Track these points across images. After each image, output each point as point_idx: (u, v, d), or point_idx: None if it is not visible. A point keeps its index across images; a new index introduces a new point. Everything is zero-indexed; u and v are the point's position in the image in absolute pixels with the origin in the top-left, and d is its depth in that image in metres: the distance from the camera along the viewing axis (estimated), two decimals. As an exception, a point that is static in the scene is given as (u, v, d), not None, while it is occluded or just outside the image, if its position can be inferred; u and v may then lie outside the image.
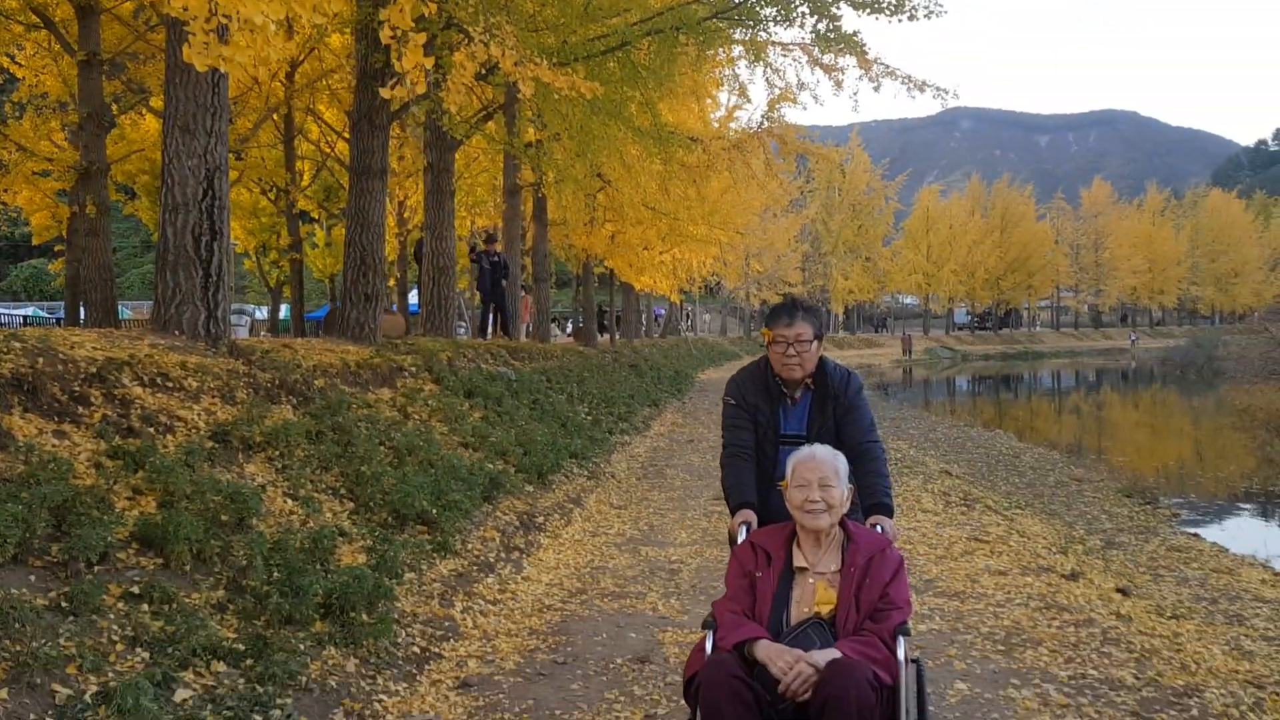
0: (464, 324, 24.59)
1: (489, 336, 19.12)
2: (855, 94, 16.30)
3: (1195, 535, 11.70)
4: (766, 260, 53.82)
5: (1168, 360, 56.18)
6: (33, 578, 4.20)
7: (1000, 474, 15.76)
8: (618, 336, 34.53)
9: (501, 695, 4.93)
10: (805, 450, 3.61)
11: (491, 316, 19.70)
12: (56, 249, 21.69)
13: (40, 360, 5.79)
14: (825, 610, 3.38)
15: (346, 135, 19.41)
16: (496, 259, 19.52)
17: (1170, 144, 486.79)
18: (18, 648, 3.70)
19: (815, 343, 3.98)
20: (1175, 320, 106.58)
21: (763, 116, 21.70)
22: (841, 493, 3.50)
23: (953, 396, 41.88)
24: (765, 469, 4.03)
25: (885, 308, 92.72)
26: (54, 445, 5.20)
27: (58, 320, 35.07)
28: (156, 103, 17.49)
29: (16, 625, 3.80)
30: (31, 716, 3.47)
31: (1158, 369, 54.85)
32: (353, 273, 11.77)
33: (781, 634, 3.34)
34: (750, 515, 3.86)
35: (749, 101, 75.36)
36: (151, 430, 5.97)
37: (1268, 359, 33.19)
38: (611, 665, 5.41)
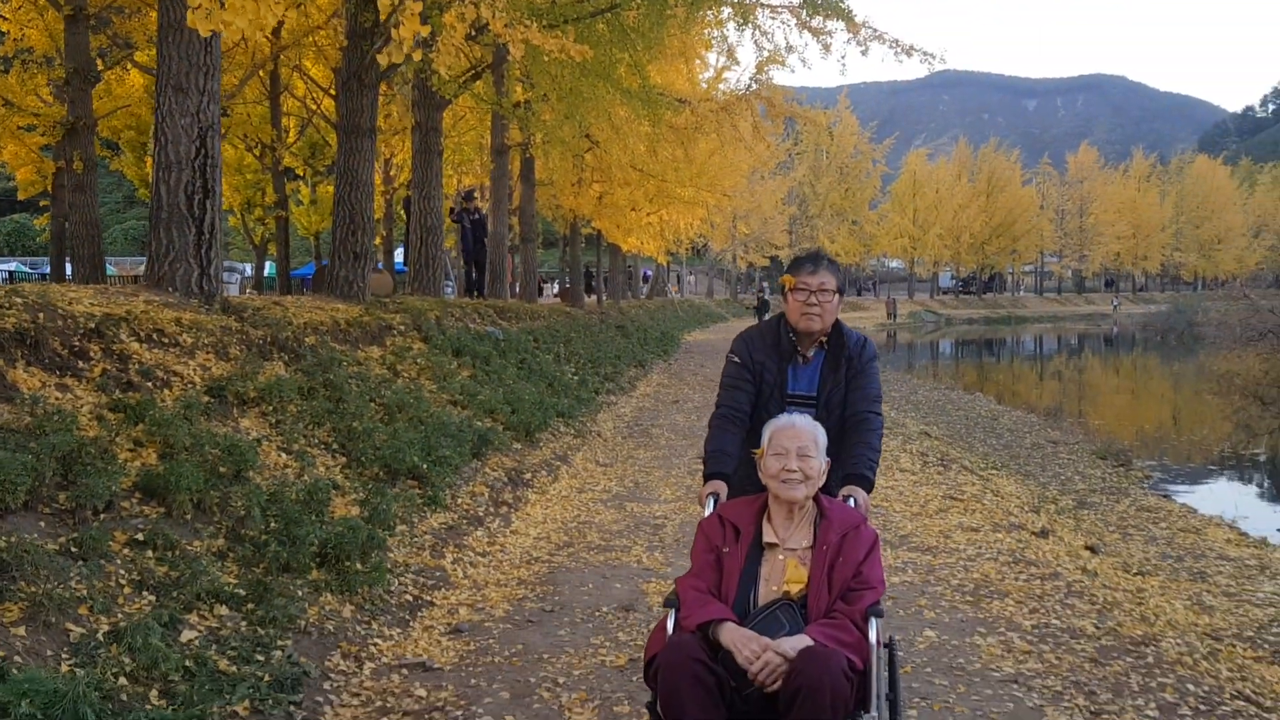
0: (451, 283, 24.66)
1: (474, 296, 19.24)
2: (843, 57, 16.66)
3: (1165, 496, 12.02)
4: (753, 222, 53.90)
5: (1149, 326, 56.71)
6: (43, 524, 4.38)
7: (978, 436, 16.06)
8: (604, 297, 34.65)
9: (491, 640, 5.15)
10: (784, 418, 3.43)
11: (474, 275, 19.81)
12: (41, 204, 21.62)
13: (41, 315, 5.93)
14: (795, 590, 3.19)
15: (333, 92, 19.36)
16: (477, 217, 19.58)
17: (1158, 109, 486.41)
18: (33, 589, 3.88)
19: (837, 296, 3.77)
20: (1158, 286, 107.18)
21: (751, 79, 21.73)
22: (819, 464, 3.32)
23: (936, 360, 42.24)
24: None
25: (871, 271, 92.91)
26: (57, 398, 5.36)
27: (41, 275, 34.95)
28: (142, 57, 17.43)
29: (30, 568, 3.98)
30: (48, 652, 3.66)
31: (1139, 334, 55.35)
32: (342, 231, 11.87)
33: (749, 615, 3.15)
34: (720, 487, 3.63)
35: (737, 64, 74.76)
36: (150, 385, 6.13)
37: (1246, 325, 33.51)
38: (597, 613, 5.64)
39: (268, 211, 24.58)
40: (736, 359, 3.85)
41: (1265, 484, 14.52)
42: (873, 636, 3.07)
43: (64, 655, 3.69)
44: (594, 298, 33.76)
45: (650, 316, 34.61)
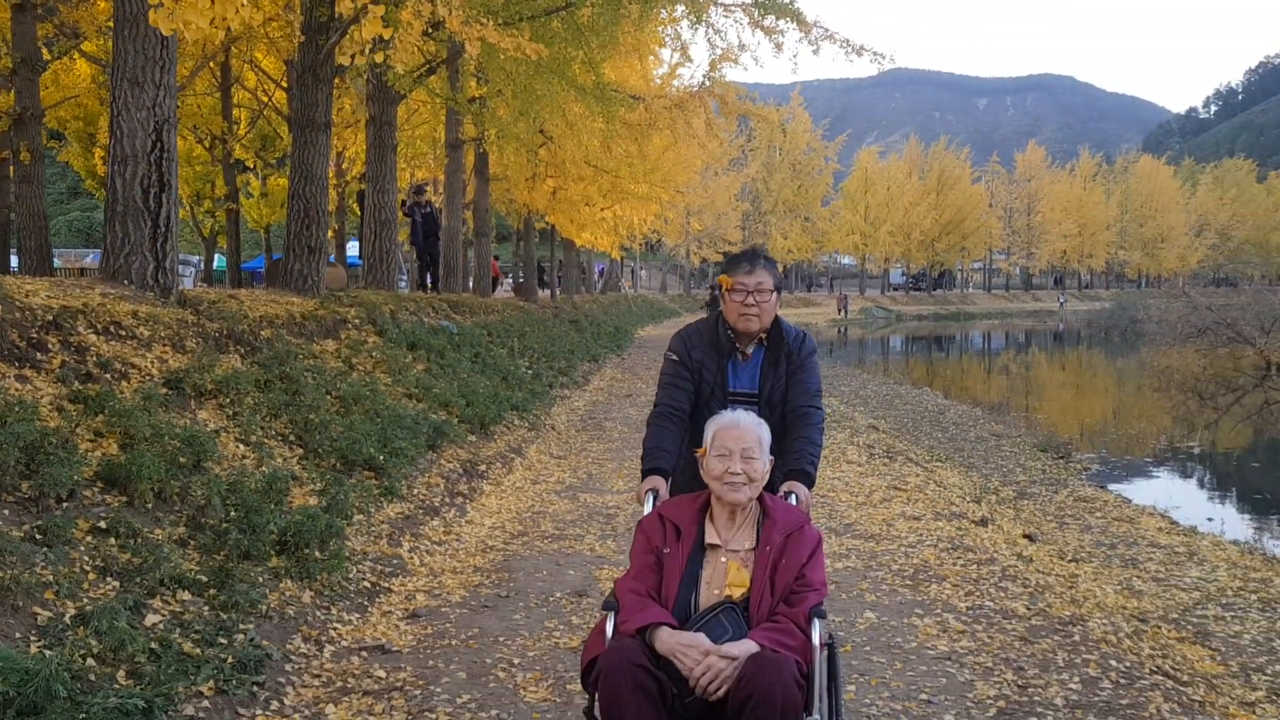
0: (404, 277, 24.63)
1: (426, 290, 19.27)
2: (795, 56, 17.17)
3: (1102, 487, 12.43)
4: (707, 218, 54.20)
5: (1093, 323, 57.82)
6: (6, 511, 4.46)
7: (925, 429, 16.43)
8: (558, 292, 34.75)
9: (448, 624, 5.31)
10: (728, 416, 3.32)
11: (426, 269, 19.86)
12: (-14, 195, 21.26)
13: (-1, 307, 5.97)
14: (737, 593, 3.09)
15: (284, 84, 19.33)
16: (428, 210, 19.64)
17: (1105, 109, 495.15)
18: (0, 574, 3.97)
19: (775, 295, 3.71)
20: (1103, 284, 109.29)
21: (704, 76, 21.95)
22: (764, 465, 3.23)
23: (886, 355, 42.86)
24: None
25: (823, 267, 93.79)
26: (17, 389, 5.42)
27: (-16, 267, 34.26)
28: (90, 47, 17.26)
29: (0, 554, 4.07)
30: (17, 635, 3.76)
31: (1084, 331, 56.48)
32: (296, 225, 11.90)
33: (690, 618, 3.06)
34: (659, 483, 3.55)
35: (690, 61, 75.11)
36: (108, 376, 6.19)
37: (1185, 322, 34.41)
38: (551, 599, 5.81)
39: (218, 204, 24.40)
40: (675, 357, 3.80)
41: (1199, 475, 15.04)
42: (815, 639, 2.98)
43: (33, 637, 3.79)
44: (548, 292, 33.84)
45: (604, 311, 34.78)
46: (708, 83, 21.75)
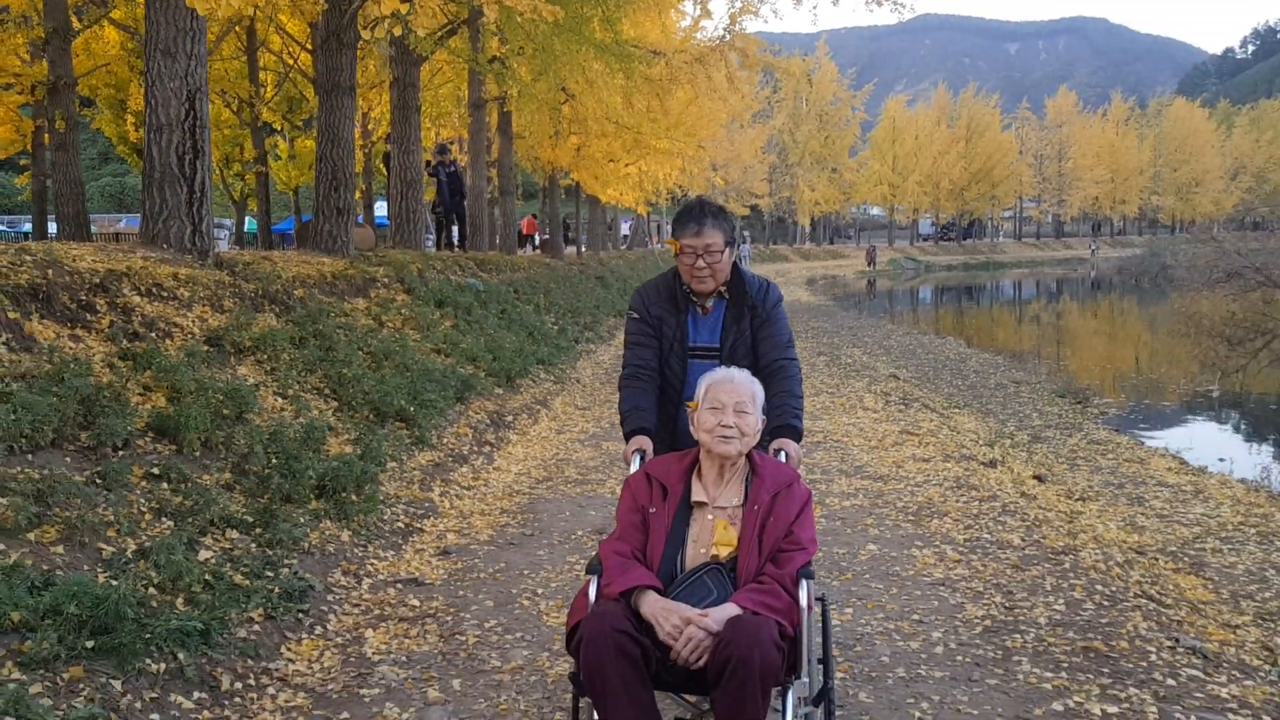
0: (430, 236, 25.00)
1: (455, 249, 19.62)
2: (815, 7, 16.79)
3: (1117, 431, 12.64)
4: (733, 172, 54.10)
5: (1124, 269, 57.35)
6: (68, 459, 4.87)
7: (945, 377, 16.65)
8: (584, 249, 35.01)
9: (477, 560, 5.70)
10: (722, 371, 3.27)
11: (451, 228, 20.19)
12: (21, 163, 21.75)
13: (50, 271, 6.37)
14: (724, 552, 3.04)
15: (309, 47, 19.60)
16: (452, 169, 19.93)
17: (1139, 52, 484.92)
18: (67, 514, 4.38)
19: (727, 250, 3.60)
20: (1136, 230, 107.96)
21: (724, 30, 21.99)
22: (756, 421, 3.18)
23: (915, 306, 42.87)
24: (671, 385, 3.71)
25: (851, 219, 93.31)
26: (71, 347, 5.81)
27: (22, 234, 34.99)
28: (119, 14, 17.59)
29: (63, 496, 4.47)
30: (85, 567, 4.16)
31: (1114, 278, 56.07)
32: (325, 187, 12.25)
33: (675, 579, 3.02)
34: (645, 443, 3.52)
35: (710, 15, 74.40)
36: (153, 335, 6.59)
37: (1213, 267, 34.15)
38: (573, 536, 6.19)
39: (247, 167, 24.76)
40: (635, 315, 3.75)
41: (1215, 418, 15.19)
42: (803, 600, 2.93)
43: (99, 569, 4.19)
44: (573, 249, 34.11)
45: (630, 267, 35.01)
46: (728, 36, 21.79)
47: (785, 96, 68.02)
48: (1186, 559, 6.83)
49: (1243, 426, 14.60)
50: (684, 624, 2.82)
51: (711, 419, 3.13)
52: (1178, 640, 4.54)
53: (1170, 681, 4.06)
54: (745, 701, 2.70)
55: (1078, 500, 8.66)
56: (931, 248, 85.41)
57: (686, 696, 3.09)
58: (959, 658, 4.31)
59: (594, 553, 5.84)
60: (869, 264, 66.47)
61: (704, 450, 3.18)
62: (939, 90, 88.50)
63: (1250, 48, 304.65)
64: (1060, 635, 4.53)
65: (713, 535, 3.07)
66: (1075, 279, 60.18)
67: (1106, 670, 4.17)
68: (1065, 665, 4.21)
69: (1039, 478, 9.19)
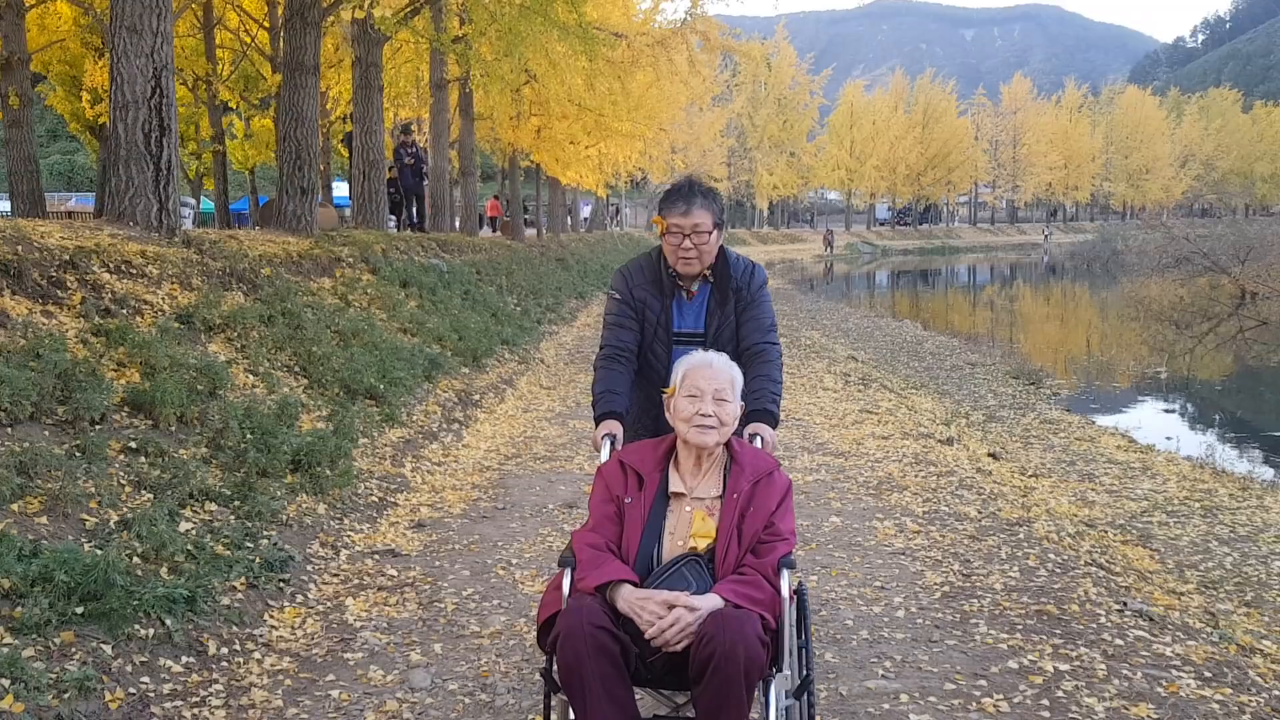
0: (393, 217, 24.92)
1: (417, 229, 19.61)
2: None
3: (1068, 410, 12.99)
4: (692, 155, 54.17)
5: (1076, 255, 58.34)
6: (47, 433, 4.92)
7: (902, 359, 16.96)
8: (545, 231, 35.00)
9: (451, 532, 5.83)
10: (700, 356, 3.10)
11: (411, 210, 20.20)
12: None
13: (19, 247, 6.36)
14: (702, 544, 2.91)
15: (267, 25, 19.44)
16: (414, 149, 19.91)
17: (1093, 40, 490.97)
18: (49, 485, 4.44)
19: (715, 232, 3.46)
20: (1088, 216, 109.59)
21: (685, 13, 22.10)
22: (735, 409, 3.04)
23: (871, 290, 43.36)
24: (656, 371, 3.56)
25: (809, 203, 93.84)
26: (44, 323, 5.84)
27: (-29, 212, 34.26)
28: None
29: (45, 468, 4.53)
30: (69, 537, 4.23)
31: (1067, 263, 57.00)
32: (288, 167, 12.21)
33: (652, 572, 2.89)
34: (615, 427, 3.38)
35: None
36: (125, 312, 6.61)
37: (1163, 253, 34.92)
38: (544, 510, 6.33)
39: (203, 146, 24.48)
40: (617, 295, 3.59)
41: (1163, 398, 15.62)
42: (785, 591, 2.83)
43: (83, 540, 4.26)
44: (534, 231, 34.10)
45: (590, 249, 35.07)
46: (689, 19, 21.91)
47: (744, 80, 68.16)
48: (1134, 531, 7.12)
49: (1189, 407, 15.04)
50: (664, 608, 2.71)
51: (689, 407, 2.98)
52: (1125, 604, 4.78)
53: (1118, 641, 4.28)
54: (729, 698, 2.60)
55: (1031, 476, 8.93)
56: (888, 232, 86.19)
57: (666, 693, 2.98)
58: (919, 621, 4.51)
59: (566, 528, 6.03)
60: (826, 248, 66.95)
61: (681, 439, 3.03)
62: (896, 76, 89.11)
63: (1200, 37, 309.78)
64: (1015, 600, 4.75)
65: (691, 526, 2.94)
66: (1029, 264, 61.10)
67: (1059, 631, 4.38)
68: (1020, 627, 4.43)
69: (994, 455, 9.45)
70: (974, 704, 3.69)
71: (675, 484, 3.01)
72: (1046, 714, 3.61)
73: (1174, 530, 7.20)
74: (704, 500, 2.99)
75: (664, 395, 3.13)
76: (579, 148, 27.53)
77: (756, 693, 2.69)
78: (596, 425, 3.43)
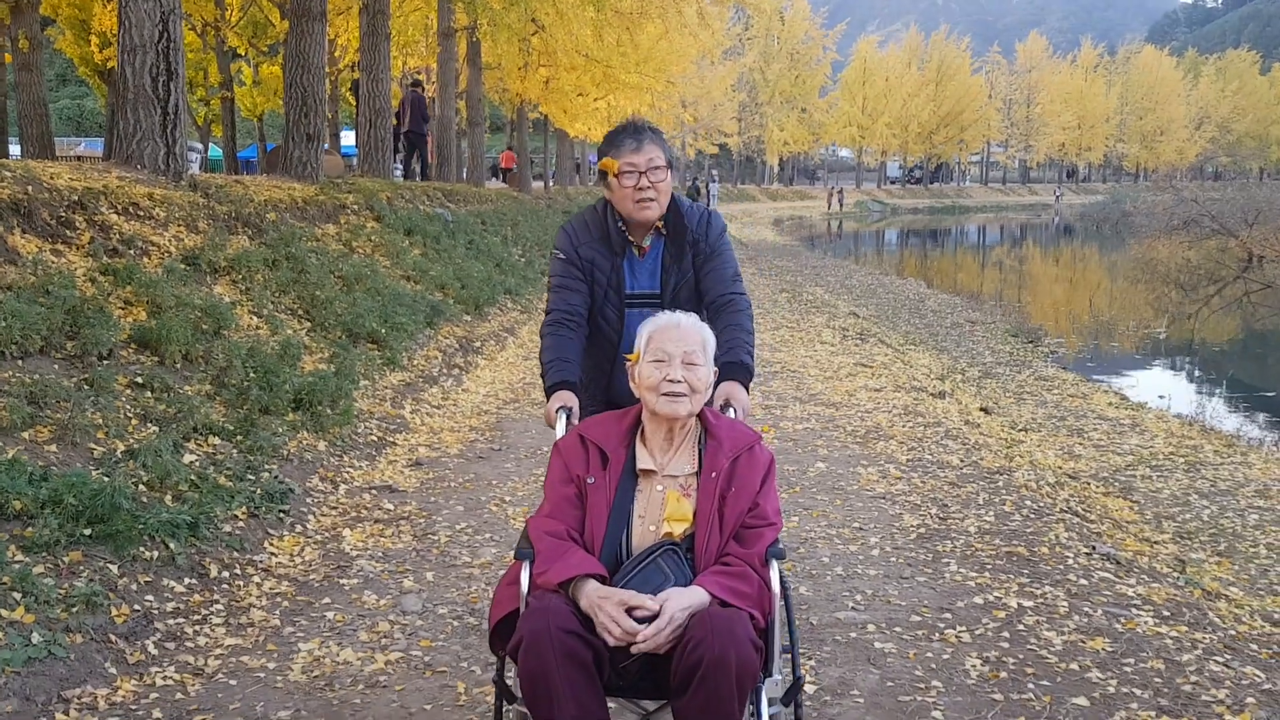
0: (399, 166, 24.97)
1: (422, 179, 19.69)
2: None
3: (1064, 368, 13.12)
4: (702, 109, 53.87)
5: (1086, 216, 58.11)
6: (57, 366, 5.09)
7: (903, 316, 17.07)
8: (552, 183, 34.99)
9: (447, 471, 6.01)
10: (666, 317, 2.75)
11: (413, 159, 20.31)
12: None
13: (30, 188, 6.50)
14: (679, 529, 2.57)
15: (277, -30, 19.36)
16: (420, 99, 20.01)
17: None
18: (59, 415, 4.62)
19: (670, 172, 3.16)
20: (1101, 177, 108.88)
21: (696, -37, 21.94)
22: (708, 373, 2.70)
23: (879, 248, 43.29)
24: (608, 338, 3.23)
25: (820, 160, 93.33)
26: (54, 261, 5.99)
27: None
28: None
29: (54, 399, 4.71)
30: (78, 464, 4.41)
31: (1078, 224, 56.80)
32: (295, 114, 12.28)
33: (621, 564, 2.55)
34: (570, 399, 3.02)
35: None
36: (132, 252, 6.76)
37: (1171, 215, 34.82)
38: (539, 451, 6.51)
39: (211, 93, 24.49)
40: (562, 255, 3.24)
41: (1161, 358, 15.74)
42: (775, 584, 2.52)
43: (90, 468, 4.45)
44: (541, 183, 34.09)
45: (596, 201, 35.07)
46: (699, -30, 21.77)
47: (756, 34, 67.53)
48: (1117, 484, 7.28)
49: (1186, 368, 15.15)
50: (621, 610, 2.35)
51: (656, 374, 2.63)
52: (1094, 548, 4.95)
53: (1083, 581, 4.46)
54: (718, 711, 2.29)
55: (1021, 431, 9.10)
56: (898, 191, 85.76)
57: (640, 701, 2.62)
58: (893, 559, 4.69)
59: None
60: (831, 205, 66.66)
61: (648, 411, 2.68)
62: (910, 32, 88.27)
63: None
64: (987, 542, 4.92)
65: (664, 508, 2.60)
66: (1039, 224, 60.87)
67: (1026, 572, 4.56)
68: (989, 567, 4.60)
69: (985, 409, 9.60)
70: (937, 634, 3.87)
71: (644, 460, 2.66)
72: (1006, 644, 3.79)
73: (1156, 484, 7.37)
74: (677, 478, 2.64)
75: (627, 362, 2.78)
76: (587, 100, 27.46)
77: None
78: (548, 397, 3.07)
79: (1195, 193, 37.42)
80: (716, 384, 2.88)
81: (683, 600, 2.38)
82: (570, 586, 2.44)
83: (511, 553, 4.68)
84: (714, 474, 2.61)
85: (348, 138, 30.26)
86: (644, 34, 23.67)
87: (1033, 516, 5.36)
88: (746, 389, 3.06)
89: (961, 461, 6.40)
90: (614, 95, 27.72)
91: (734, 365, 3.06)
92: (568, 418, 2.96)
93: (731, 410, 2.95)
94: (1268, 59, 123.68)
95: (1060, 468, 7.41)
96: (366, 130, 16.21)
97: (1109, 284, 27.66)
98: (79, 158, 29.32)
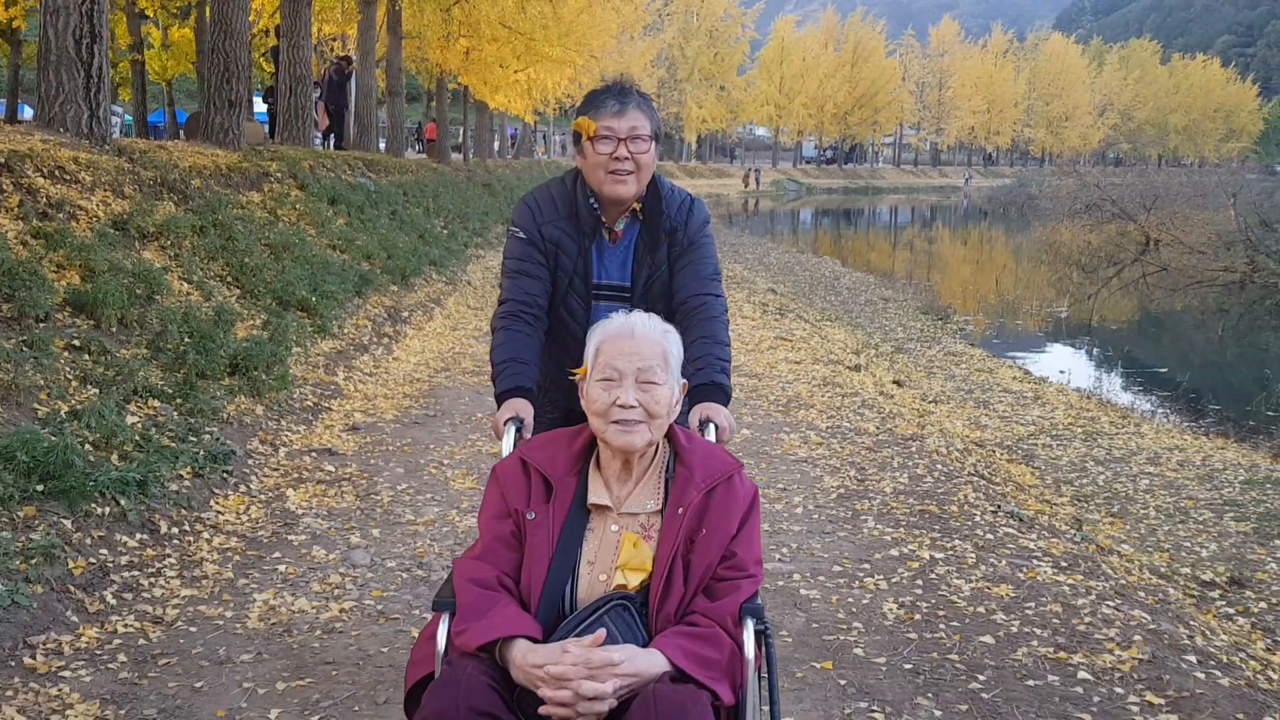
0: (318, 135, 24.61)
1: (337, 148, 19.56)
2: None
3: (971, 344, 13.69)
4: (621, 84, 53.75)
5: (994, 199, 59.72)
6: (-7, 329, 5.10)
7: (819, 293, 17.54)
8: (471, 155, 34.77)
9: (384, 435, 6.15)
10: (617, 323, 2.24)
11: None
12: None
13: (-46, 149, 6.42)
14: (635, 580, 2.11)
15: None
16: (345, 69, 19.89)
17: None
18: (2, 376, 4.65)
19: (653, 145, 2.70)
20: (1008, 161, 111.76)
21: (619, -61, 22.01)
22: (671, 392, 2.19)
23: (794, 227, 44.01)
24: (572, 334, 2.78)
25: (737, 138, 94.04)
26: (-17, 224, 5.95)
27: None
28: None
29: (-5, 361, 4.74)
30: (23, 423, 4.46)
31: (985, 207, 58.36)
32: (216, 79, 12.12)
33: (563, 622, 2.09)
34: (523, 407, 2.57)
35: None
36: (61, 216, 6.71)
37: (1074, 199, 36.09)
38: (473, 418, 6.68)
39: (119, 55, 23.80)
40: (521, 234, 2.78)
41: (1061, 336, 16.47)
42: (749, 648, 2.05)
43: (36, 427, 4.50)
44: (459, 155, 33.86)
45: (516, 176, 34.97)
46: (622, -55, 21.85)
47: (676, 10, 67.69)
48: (1020, 452, 7.74)
49: (1086, 345, 15.89)
50: (579, 672, 1.89)
51: (603, 396, 2.15)
52: (999, 507, 5.32)
53: (989, 536, 4.82)
54: None
55: (931, 403, 9.54)
56: (814, 170, 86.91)
57: None
58: (815, 517, 5.00)
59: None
60: (746, 185, 67.33)
61: (599, 438, 2.21)
62: (827, 13, 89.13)
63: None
64: (902, 501, 5.27)
65: (618, 554, 2.13)
66: (949, 206, 62.41)
67: (938, 528, 4.90)
68: (904, 523, 4.94)
69: (898, 383, 10.03)
70: (857, 582, 4.18)
71: (597, 494, 2.18)
72: (920, 591, 4.12)
73: (1056, 451, 7.84)
74: (637, 517, 2.16)
75: (574, 377, 2.30)
76: (508, 72, 27.34)
77: None
78: (499, 405, 2.61)
79: (1097, 178, 38.80)
80: (690, 403, 2.49)
81: (636, 661, 1.93)
82: (496, 649, 2.01)
83: (454, 509, 4.88)
84: (680, 510, 2.12)
85: (258, 104, 29.66)
86: (566, 7, 23.72)
87: (943, 479, 5.73)
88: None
89: (877, 429, 6.75)
90: (535, 68, 27.66)
91: (707, 388, 2.59)
92: (517, 431, 2.50)
93: (711, 431, 2.50)
94: (1168, 49, 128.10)
95: (968, 436, 7.83)
96: (287, 97, 16.01)
97: (1015, 265, 28.62)
98: (-23, 119, 28.30)
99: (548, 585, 2.09)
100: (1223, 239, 24.84)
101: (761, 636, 2.09)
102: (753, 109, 77.62)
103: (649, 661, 1.95)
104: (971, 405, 9.74)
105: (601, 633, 1.95)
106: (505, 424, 2.52)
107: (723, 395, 2.61)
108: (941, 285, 21.83)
